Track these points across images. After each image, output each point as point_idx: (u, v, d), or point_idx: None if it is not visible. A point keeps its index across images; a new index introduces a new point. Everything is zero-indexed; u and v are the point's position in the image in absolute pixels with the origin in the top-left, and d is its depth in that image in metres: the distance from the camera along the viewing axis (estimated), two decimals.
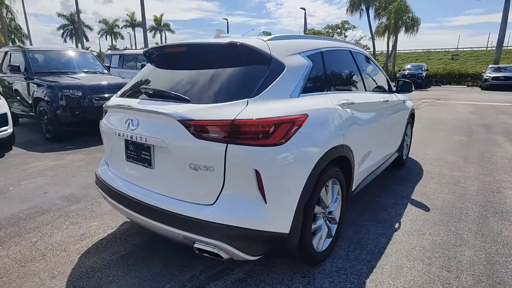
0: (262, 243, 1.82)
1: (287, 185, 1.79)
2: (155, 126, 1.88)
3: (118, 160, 2.24)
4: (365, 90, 3.10)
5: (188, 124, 1.72)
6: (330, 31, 39.74)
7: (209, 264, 2.28)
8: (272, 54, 1.97)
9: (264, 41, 2.06)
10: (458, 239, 2.64)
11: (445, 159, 4.93)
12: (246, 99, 1.76)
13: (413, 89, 3.99)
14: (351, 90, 2.84)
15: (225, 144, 1.66)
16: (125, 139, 2.09)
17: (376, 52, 35.85)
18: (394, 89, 3.93)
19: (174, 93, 1.97)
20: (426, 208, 3.21)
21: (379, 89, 3.59)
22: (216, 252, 1.76)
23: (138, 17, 46.45)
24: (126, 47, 56.88)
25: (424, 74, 23.03)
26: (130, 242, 2.59)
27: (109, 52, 17.10)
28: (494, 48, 31.03)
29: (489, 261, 2.34)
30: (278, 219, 1.79)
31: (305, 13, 36.17)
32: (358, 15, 33.71)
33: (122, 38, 56.70)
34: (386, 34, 31.65)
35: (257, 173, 1.67)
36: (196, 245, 1.79)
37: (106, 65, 9.05)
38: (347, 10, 33.86)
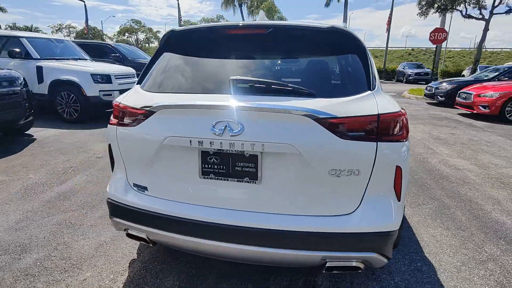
0: (392, 243, 1.66)
1: (407, 179, 1.71)
2: (275, 129, 1.48)
3: (176, 179, 1.68)
4: None
5: (330, 122, 1.45)
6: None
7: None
8: (364, 44, 1.82)
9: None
10: None
11: None
12: (369, 92, 1.60)
13: None
14: None
15: (375, 142, 1.47)
16: (201, 150, 1.58)
17: None
18: None
19: (294, 86, 1.59)
20: None
21: None
22: (353, 265, 1.57)
23: None
24: None
25: None
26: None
27: None
28: None
29: None
30: (400, 215, 1.72)
31: (178, 3, 35.36)
32: (232, 10, 36.11)
33: None
34: None
35: (398, 170, 1.55)
36: (329, 264, 1.55)
37: None
38: (221, 5, 36.14)
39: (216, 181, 1.60)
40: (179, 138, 1.58)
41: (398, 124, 1.56)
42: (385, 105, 1.55)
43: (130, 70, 7.74)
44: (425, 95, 12.49)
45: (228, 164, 1.56)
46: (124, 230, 1.86)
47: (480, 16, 18.11)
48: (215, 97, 1.61)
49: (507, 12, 17.53)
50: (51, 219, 2.75)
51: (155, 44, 62.30)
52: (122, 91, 5.84)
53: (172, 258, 2.24)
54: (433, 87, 11.77)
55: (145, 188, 1.76)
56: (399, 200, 1.62)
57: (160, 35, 38.07)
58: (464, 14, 18.74)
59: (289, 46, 1.83)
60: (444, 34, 16.22)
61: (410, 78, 24.01)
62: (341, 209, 1.54)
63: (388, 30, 26.77)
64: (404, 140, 1.58)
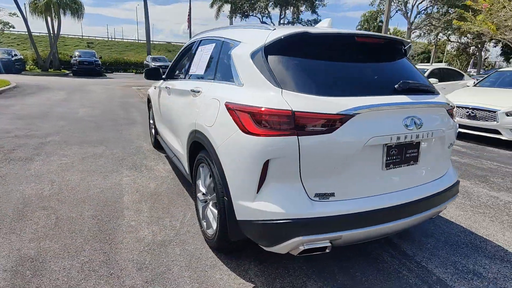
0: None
1: None
2: (434, 119, 2.00)
3: (362, 177, 1.76)
4: None
5: (449, 110, 2.13)
6: None
7: None
8: None
9: None
10: None
11: None
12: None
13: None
14: None
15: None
16: (386, 145, 1.79)
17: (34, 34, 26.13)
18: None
19: (426, 86, 2.13)
20: None
21: None
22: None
23: None
24: None
25: (99, 61, 23.15)
26: None
27: None
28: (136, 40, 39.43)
29: None
30: None
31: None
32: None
33: None
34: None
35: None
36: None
37: None
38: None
39: (393, 170, 1.87)
40: (381, 137, 1.73)
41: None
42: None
43: None
44: None
45: (402, 153, 1.87)
46: (299, 248, 1.68)
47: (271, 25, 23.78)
48: (383, 98, 1.80)
49: (289, 23, 24.91)
50: None
51: None
52: None
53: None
54: None
55: (331, 195, 1.69)
56: None
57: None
58: (261, 21, 24.37)
59: (394, 54, 2.22)
60: None
61: None
62: (441, 173, 2.15)
63: (189, 27, 29.06)
64: None
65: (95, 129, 5.87)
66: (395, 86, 1.86)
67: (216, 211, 2.05)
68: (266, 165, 1.64)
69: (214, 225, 2.10)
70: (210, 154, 2.00)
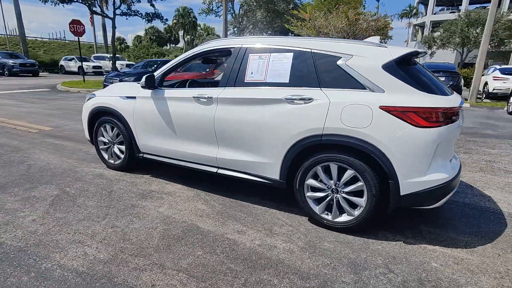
0: None
1: None
2: None
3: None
4: None
5: None
6: None
7: None
8: None
9: None
10: None
11: None
12: None
13: None
14: None
15: None
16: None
17: None
18: None
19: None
20: None
21: None
22: None
23: None
24: None
25: None
26: None
27: None
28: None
29: None
30: None
31: None
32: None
33: None
34: None
35: None
36: None
37: None
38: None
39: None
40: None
41: None
42: None
43: None
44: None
45: None
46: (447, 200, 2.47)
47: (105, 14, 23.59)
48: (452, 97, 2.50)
49: (125, 15, 23.67)
50: None
51: None
52: None
53: None
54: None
55: (451, 160, 2.61)
56: None
57: None
58: (91, 9, 23.19)
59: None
60: (82, 26, 16.27)
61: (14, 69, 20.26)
62: None
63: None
64: None
65: None
66: (446, 90, 2.56)
67: (361, 198, 2.48)
68: (436, 147, 2.26)
69: (356, 212, 2.53)
70: (364, 151, 2.37)
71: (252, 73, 2.87)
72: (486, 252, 2.37)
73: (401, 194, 2.33)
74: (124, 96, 3.61)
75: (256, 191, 3.36)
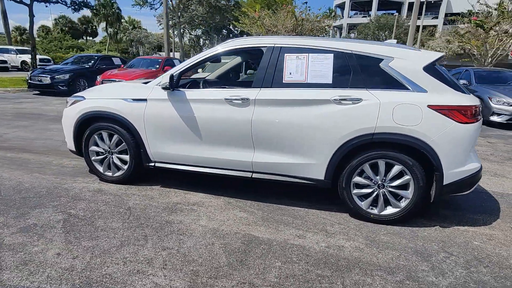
0: None
1: None
2: None
3: None
4: None
5: None
6: None
7: None
8: None
9: None
10: None
11: None
12: None
13: None
14: None
15: None
16: None
17: None
18: None
19: None
20: None
21: None
22: None
23: None
24: None
25: None
26: None
27: None
28: None
29: None
30: None
31: None
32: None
33: None
34: None
35: None
36: None
37: None
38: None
39: None
40: None
41: None
42: None
43: None
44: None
45: None
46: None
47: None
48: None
49: (45, 1, 17.09)
50: None
51: None
52: None
53: None
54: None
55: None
56: None
57: None
58: None
59: None
60: None
61: None
62: None
63: None
64: None
65: None
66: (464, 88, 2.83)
67: (407, 191, 2.69)
68: (474, 140, 2.67)
69: (403, 204, 2.72)
70: (414, 147, 2.58)
71: (290, 74, 2.81)
72: (502, 227, 2.81)
73: (444, 183, 2.59)
74: (129, 99, 3.15)
75: (281, 192, 3.33)
